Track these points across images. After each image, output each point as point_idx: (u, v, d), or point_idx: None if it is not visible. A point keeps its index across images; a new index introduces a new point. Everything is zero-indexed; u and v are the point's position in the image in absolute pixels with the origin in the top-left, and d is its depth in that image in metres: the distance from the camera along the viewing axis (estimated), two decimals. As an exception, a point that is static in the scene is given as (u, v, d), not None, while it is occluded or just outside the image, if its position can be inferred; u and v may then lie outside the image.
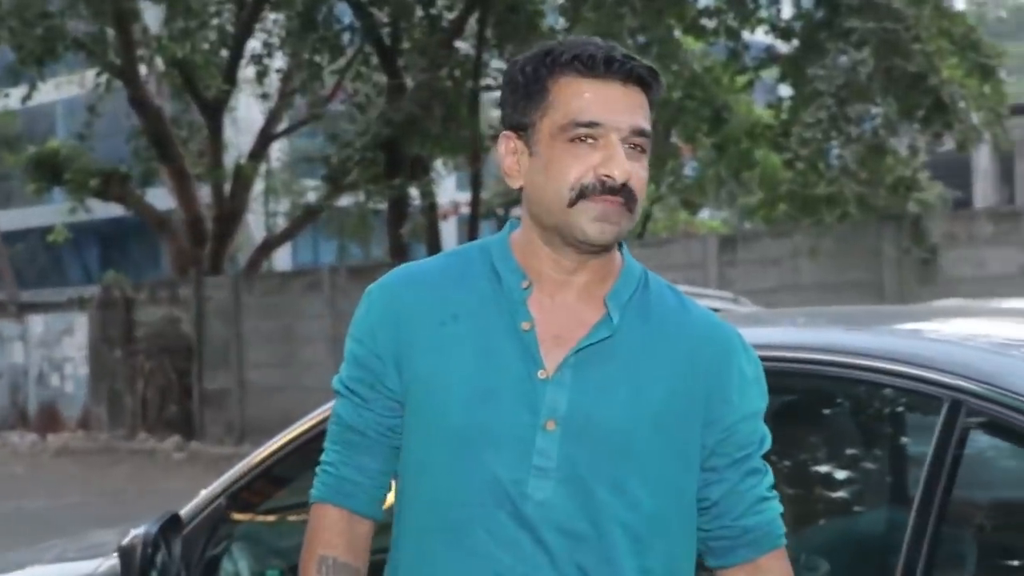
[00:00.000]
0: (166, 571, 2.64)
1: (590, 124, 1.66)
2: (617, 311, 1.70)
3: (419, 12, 18.16)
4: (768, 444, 1.77)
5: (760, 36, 17.54)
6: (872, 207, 14.20)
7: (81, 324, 20.80)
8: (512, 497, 1.65)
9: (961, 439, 1.98)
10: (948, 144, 15.14)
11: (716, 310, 1.98)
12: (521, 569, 1.64)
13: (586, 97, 1.67)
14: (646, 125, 1.70)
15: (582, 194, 1.66)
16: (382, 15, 18.11)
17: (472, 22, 18.64)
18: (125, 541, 2.67)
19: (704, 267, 15.23)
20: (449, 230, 25.76)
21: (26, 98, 17.97)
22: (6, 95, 18.59)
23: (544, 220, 1.71)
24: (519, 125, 1.73)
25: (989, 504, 2.48)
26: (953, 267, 13.68)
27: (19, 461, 17.83)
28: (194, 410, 18.66)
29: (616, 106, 1.67)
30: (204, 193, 20.53)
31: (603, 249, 1.71)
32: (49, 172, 20.18)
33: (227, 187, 19.98)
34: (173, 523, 2.67)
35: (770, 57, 17.32)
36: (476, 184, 19.51)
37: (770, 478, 1.77)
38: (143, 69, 19.28)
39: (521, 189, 1.74)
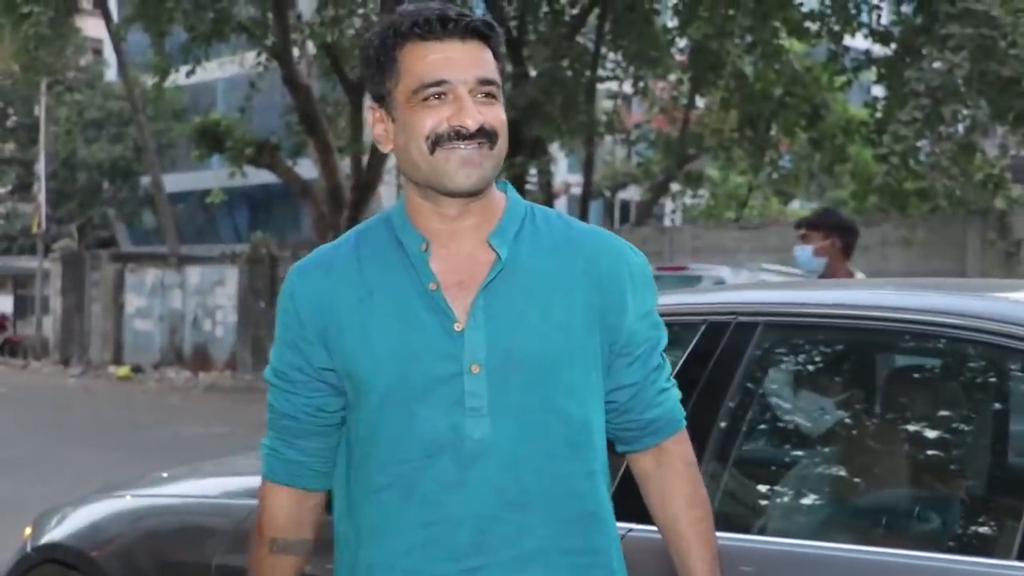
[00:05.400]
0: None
1: (438, 83, 1.63)
2: (504, 247, 1.67)
3: (544, 7, 18.13)
4: (664, 339, 1.77)
5: (859, 40, 17.18)
6: (961, 202, 13.87)
7: (232, 276, 21.25)
8: (452, 442, 1.62)
9: None
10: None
11: None
12: (470, 508, 1.63)
13: (430, 59, 1.63)
14: (491, 75, 1.66)
15: (437, 142, 1.62)
16: (510, 9, 18.12)
17: (592, 18, 18.57)
18: None
19: (797, 251, 14.98)
20: (559, 207, 25.76)
21: (190, 73, 18.36)
22: (175, 71, 19.05)
23: (415, 176, 1.67)
24: (379, 96, 1.69)
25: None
26: (1034, 261, 13.29)
27: (175, 394, 18.32)
28: (327, 358, 18.93)
29: (459, 62, 1.63)
30: (344, 165, 20.78)
31: (472, 192, 1.66)
32: (211, 141, 20.60)
33: (365, 160, 20.21)
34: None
35: (868, 59, 16.97)
36: (589, 166, 19.48)
37: (667, 369, 1.78)
38: (296, 52, 19.56)
39: (393, 153, 1.70)
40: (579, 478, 1.67)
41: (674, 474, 1.75)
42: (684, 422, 1.79)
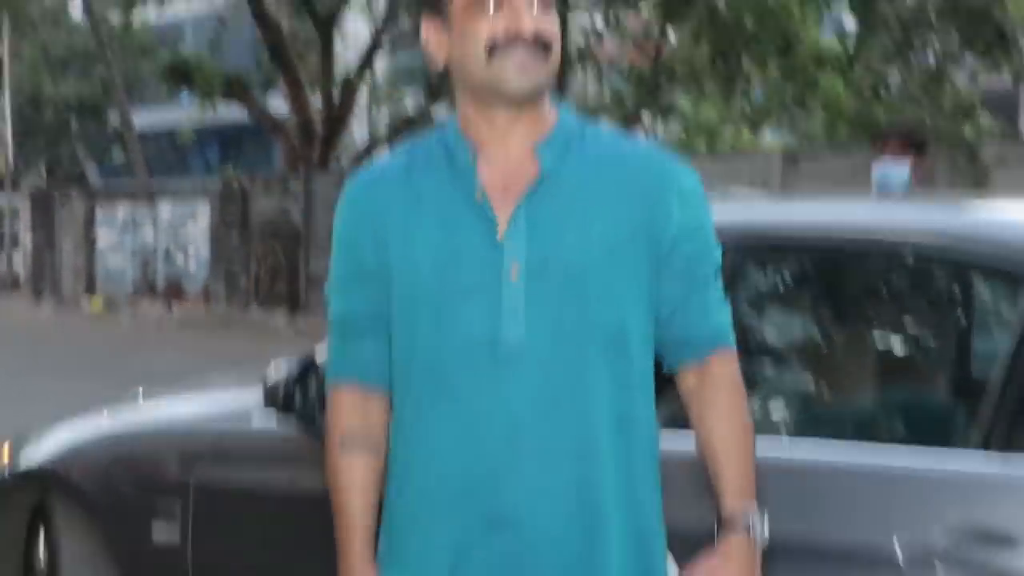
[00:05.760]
0: (305, 406, 2.67)
1: None
2: (550, 157, 1.71)
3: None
4: (717, 255, 1.77)
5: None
6: (930, 131, 13.93)
7: (203, 211, 21.14)
8: (489, 342, 1.67)
9: None
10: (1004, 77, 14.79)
11: None
12: (503, 408, 1.67)
13: None
14: None
15: (494, 48, 1.68)
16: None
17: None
18: (270, 382, 2.72)
19: (768, 182, 15.06)
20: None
21: (161, 3, 18.11)
22: (143, 3, 18.77)
23: (471, 82, 1.72)
24: (435, 9, 1.75)
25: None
26: (1002, 189, 13.42)
27: (149, 326, 18.34)
28: (300, 289, 18.98)
29: None
30: (315, 101, 20.62)
31: (529, 97, 1.71)
32: (180, 77, 20.39)
33: (335, 94, 20.06)
34: (311, 366, 2.68)
35: (840, -11, 16.91)
36: (560, 99, 19.37)
37: (718, 287, 1.78)
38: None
39: (447, 68, 1.76)
40: (611, 386, 1.70)
41: (715, 393, 1.75)
42: (730, 342, 1.77)
